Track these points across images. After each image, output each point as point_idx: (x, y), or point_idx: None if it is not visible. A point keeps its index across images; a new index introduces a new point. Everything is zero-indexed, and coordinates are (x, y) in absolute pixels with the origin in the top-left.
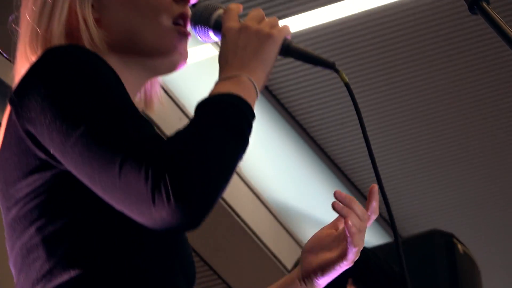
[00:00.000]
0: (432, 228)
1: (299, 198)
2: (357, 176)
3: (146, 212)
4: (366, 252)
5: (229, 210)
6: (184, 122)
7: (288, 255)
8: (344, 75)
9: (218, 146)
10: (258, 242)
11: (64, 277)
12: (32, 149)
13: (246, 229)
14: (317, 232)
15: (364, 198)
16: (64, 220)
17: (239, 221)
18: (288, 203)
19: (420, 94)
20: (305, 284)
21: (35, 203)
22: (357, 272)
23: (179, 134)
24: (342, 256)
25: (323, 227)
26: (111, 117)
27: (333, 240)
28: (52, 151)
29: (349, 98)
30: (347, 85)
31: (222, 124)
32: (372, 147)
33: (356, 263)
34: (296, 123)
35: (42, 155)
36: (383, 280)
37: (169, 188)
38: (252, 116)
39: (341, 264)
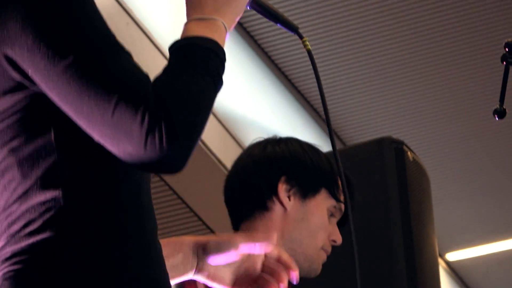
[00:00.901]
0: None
1: (247, 106)
2: (304, 84)
3: (134, 153)
4: (301, 149)
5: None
6: (132, 28)
7: None
8: (307, 42)
9: (204, 93)
10: (206, 150)
11: (40, 198)
12: (7, 70)
13: (205, 150)
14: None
15: (310, 106)
16: (40, 141)
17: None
18: (236, 111)
19: (369, 2)
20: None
21: (7, 123)
22: (290, 170)
23: (167, 79)
24: None
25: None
26: (102, 50)
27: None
28: (30, 72)
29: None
30: (309, 52)
31: (207, 71)
32: (319, 55)
33: (289, 160)
34: (243, 30)
35: (17, 77)
36: (318, 178)
37: (163, 134)
38: (225, 60)
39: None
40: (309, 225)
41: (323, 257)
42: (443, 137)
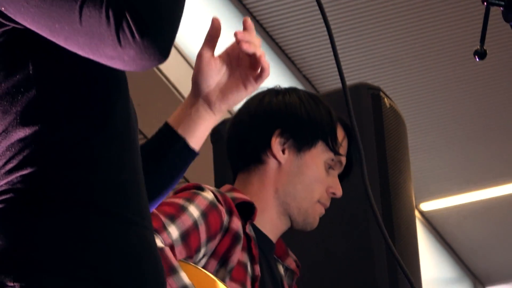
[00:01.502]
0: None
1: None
2: (278, 32)
3: (115, 54)
4: (298, 101)
5: (154, 69)
6: None
7: None
8: None
9: None
10: (178, 96)
11: (19, 134)
12: None
13: (168, 84)
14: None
15: (284, 54)
16: (18, 76)
17: (161, 76)
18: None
19: None
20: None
21: None
22: (285, 122)
23: None
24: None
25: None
26: None
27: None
28: (4, 9)
29: None
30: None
31: None
32: (296, 3)
33: (284, 112)
34: None
35: None
36: (314, 130)
37: (132, 25)
38: None
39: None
40: (304, 178)
41: (319, 210)
42: (418, 85)
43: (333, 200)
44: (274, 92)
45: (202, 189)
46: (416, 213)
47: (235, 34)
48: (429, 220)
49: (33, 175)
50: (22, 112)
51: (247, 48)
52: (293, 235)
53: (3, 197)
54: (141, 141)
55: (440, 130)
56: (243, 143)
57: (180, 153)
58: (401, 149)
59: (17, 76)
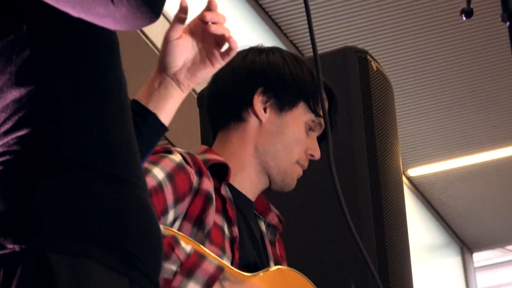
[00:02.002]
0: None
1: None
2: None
3: (106, 12)
4: (282, 60)
5: (141, 35)
6: None
7: None
8: None
9: None
10: (154, 50)
11: (15, 94)
12: None
13: (155, 51)
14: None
15: (269, 18)
16: (12, 36)
17: (148, 42)
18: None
19: None
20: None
21: None
22: (267, 81)
23: None
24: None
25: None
26: None
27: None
28: None
29: None
30: None
31: None
32: None
33: (268, 71)
34: None
35: None
36: (296, 91)
37: None
38: None
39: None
40: (284, 138)
41: (298, 171)
42: (405, 51)
43: (320, 170)
44: (257, 50)
45: (170, 152)
46: (404, 179)
47: (203, 16)
48: (417, 186)
49: (29, 136)
50: (17, 72)
51: (215, 30)
52: (280, 207)
53: (0, 159)
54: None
55: (427, 95)
56: (224, 100)
57: (153, 128)
58: (388, 112)
59: (11, 36)
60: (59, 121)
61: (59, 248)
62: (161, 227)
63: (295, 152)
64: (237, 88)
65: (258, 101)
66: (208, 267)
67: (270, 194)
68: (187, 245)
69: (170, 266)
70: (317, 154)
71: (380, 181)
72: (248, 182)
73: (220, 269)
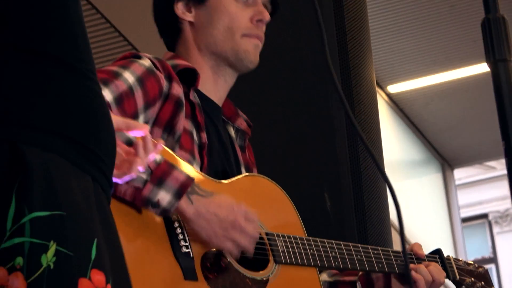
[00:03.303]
0: None
1: None
2: None
3: None
4: None
5: None
6: None
7: None
8: None
9: None
10: None
11: None
12: None
13: None
14: None
15: None
16: None
17: None
18: None
19: None
20: None
21: None
22: None
23: None
24: None
25: None
26: None
27: None
28: None
29: None
30: None
31: None
32: None
33: None
34: None
35: None
36: None
37: None
38: None
39: None
40: (216, 23)
41: (249, 43)
42: None
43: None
44: None
45: (139, 57)
46: (383, 95)
47: None
48: (396, 103)
49: None
50: None
51: None
52: (252, 112)
53: None
54: (104, 26)
55: (404, 10)
56: (160, 27)
57: None
58: (361, 23)
59: None
60: (20, 6)
61: (29, 140)
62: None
63: (235, 28)
64: (159, 10)
65: (179, 8)
66: (178, 176)
67: (239, 101)
68: (157, 154)
69: (140, 175)
70: (265, 16)
71: (353, 93)
72: (210, 84)
73: (190, 179)
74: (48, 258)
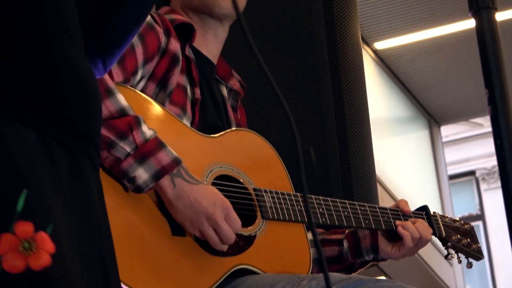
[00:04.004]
0: None
1: None
2: None
3: None
4: None
5: None
6: None
7: None
8: None
9: None
10: None
11: None
12: None
13: None
14: None
15: None
16: None
17: None
18: None
19: None
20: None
21: None
22: None
23: None
24: None
25: None
26: None
27: None
28: None
29: None
30: None
31: None
32: None
33: None
34: None
35: None
36: None
37: None
38: None
39: None
40: None
41: None
42: None
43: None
44: None
45: None
46: (370, 52)
47: None
48: (383, 59)
49: None
50: None
51: None
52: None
53: None
54: None
55: None
56: None
57: None
58: None
59: None
60: None
61: None
62: (127, 105)
63: None
64: None
65: None
66: (163, 158)
67: (233, 59)
68: (148, 130)
69: (124, 147)
70: None
71: (338, 48)
72: (201, 39)
73: (176, 162)
74: None
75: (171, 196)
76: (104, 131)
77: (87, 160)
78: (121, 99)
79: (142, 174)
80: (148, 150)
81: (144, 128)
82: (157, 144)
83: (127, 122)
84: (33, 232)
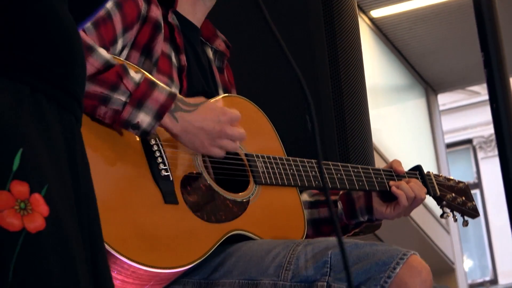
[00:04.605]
0: None
1: None
2: None
3: None
4: None
5: None
6: None
7: None
8: None
9: None
10: None
11: None
12: None
13: None
14: None
15: None
16: None
17: None
18: None
19: None
20: None
21: None
22: None
23: None
24: None
25: None
26: None
27: None
28: None
29: None
30: None
31: None
32: None
33: None
34: None
35: None
36: None
37: None
38: None
39: None
40: None
41: None
42: None
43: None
44: None
45: None
46: (366, 20)
47: None
48: (380, 28)
49: None
50: None
51: None
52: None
53: None
54: None
55: None
56: None
57: None
58: None
59: None
60: None
61: None
62: (110, 56)
63: None
64: None
65: None
66: (158, 96)
67: (217, 22)
68: (136, 74)
69: (119, 97)
70: None
71: (335, 16)
72: (188, 5)
73: (171, 96)
74: None
75: (177, 131)
76: (96, 88)
77: (72, 116)
78: (103, 52)
79: (144, 118)
80: (142, 93)
81: (132, 73)
82: (149, 85)
83: (115, 72)
84: (28, 193)
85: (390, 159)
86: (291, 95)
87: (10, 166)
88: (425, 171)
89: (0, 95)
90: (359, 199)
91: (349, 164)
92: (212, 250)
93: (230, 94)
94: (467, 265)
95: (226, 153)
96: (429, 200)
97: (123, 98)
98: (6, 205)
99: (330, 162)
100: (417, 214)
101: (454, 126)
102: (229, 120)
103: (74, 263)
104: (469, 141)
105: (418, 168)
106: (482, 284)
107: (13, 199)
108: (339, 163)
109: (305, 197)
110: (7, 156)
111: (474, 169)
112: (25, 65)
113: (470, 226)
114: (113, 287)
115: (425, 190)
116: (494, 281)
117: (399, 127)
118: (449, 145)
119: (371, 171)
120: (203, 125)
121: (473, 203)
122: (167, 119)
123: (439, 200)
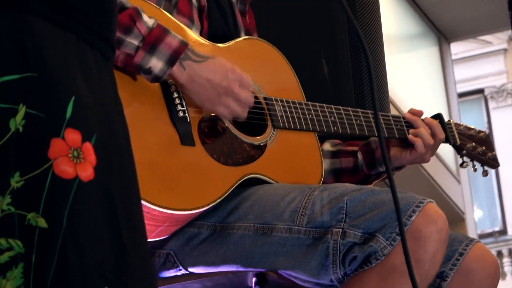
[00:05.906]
0: None
1: None
2: None
3: None
4: None
5: None
6: None
7: None
8: None
9: None
10: None
11: None
12: None
13: None
14: None
15: None
16: None
17: None
18: None
19: None
20: None
21: None
22: None
23: None
24: None
25: None
26: None
27: None
28: None
29: None
30: None
31: None
32: None
33: None
34: None
35: None
36: None
37: None
38: None
39: None
40: None
41: None
42: None
43: None
44: None
45: None
46: None
47: None
48: None
49: None
50: None
51: None
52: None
53: None
54: None
55: None
56: None
57: None
58: None
59: None
60: None
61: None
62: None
63: None
64: None
65: None
66: (171, 42)
67: None
68: (150, 18)
69: (132, 41)
70: None
71: None
72: None
73: (183, 44)
74: (17, 121)
75: (183, 80)
76: None
77: (111, 64)
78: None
79: (156, 63)
80: (155, 37)
81: (145, 17)
82: (162, 30)
83: (129, 15)
84: (80, 142)
85: (402, 107)
86: (309, 40)
87: (64, 114)
88: (446, 120)
89: (51, 43)
90: (377, 148)
91: (369, 111)
92: (228, 193)
93: (251, 37)
94: (477, 215)
95: None
96: (441, 150)
97: (136, 42)
98: (60, 152)
99: (349, 108)
100: (428, 163)
101: (465, 76)
102: (238, 79)
103: (116, 214)
104: (480, 91)
105: (439, 116)
106: (491, 234)
107: (67, 146)
108: (358, 110)
109: (327, 146)
110: (61, 103)
111: (485, 119)
112: (70, 12)
113: (481, 176)
114: (146, 239)
115: (443, 134)
116: (503, 231)
117: (411, 75)
118: (460, 95)
119: (391, 118)
120: (210, 77)
121: (494, 153)
122: (174, 67)
123: (459, 149)
